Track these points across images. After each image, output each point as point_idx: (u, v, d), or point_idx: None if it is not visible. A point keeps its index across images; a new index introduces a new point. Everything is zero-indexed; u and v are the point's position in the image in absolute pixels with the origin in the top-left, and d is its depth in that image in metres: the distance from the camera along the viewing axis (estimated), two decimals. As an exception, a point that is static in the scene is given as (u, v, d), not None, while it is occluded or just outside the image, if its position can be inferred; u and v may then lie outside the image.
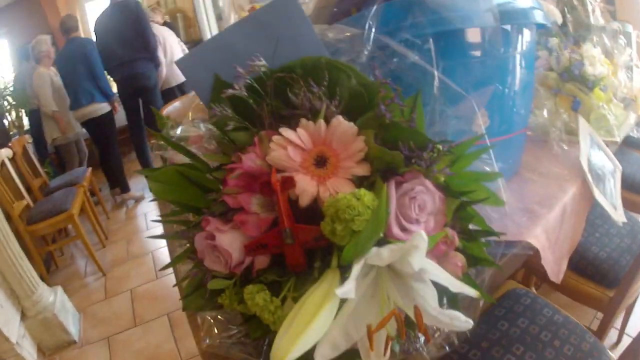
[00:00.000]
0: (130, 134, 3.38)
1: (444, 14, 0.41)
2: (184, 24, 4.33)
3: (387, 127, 0.35)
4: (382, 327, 0.29)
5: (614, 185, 0.83)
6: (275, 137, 0.33)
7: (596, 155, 0.82)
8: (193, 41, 4.47)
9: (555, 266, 0.72)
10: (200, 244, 0.35)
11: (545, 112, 0.89)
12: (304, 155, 0.33)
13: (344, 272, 0.31)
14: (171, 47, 3.47)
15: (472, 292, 0.32)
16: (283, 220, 0.31)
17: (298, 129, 0.33)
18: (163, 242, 2.67)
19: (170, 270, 2.30)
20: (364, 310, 0.31)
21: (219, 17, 4.15)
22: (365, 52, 0.39)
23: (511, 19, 0.47)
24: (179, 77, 3.53)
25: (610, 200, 0.81)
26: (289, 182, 0.31)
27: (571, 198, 0.75)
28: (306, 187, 0.32)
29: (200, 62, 0.40)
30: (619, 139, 0.87)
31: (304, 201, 0.32)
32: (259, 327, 0.38)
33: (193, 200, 0.40)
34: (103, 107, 3.10)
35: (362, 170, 0.34)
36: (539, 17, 0.51)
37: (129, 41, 3.04)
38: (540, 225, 0.67)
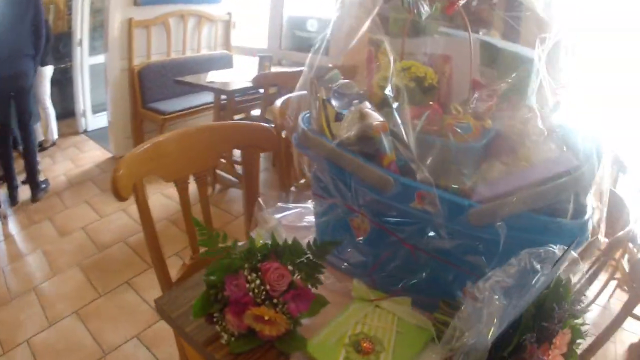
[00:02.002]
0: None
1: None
2: (55, 16, 3.88)
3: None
4: None
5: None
6: None
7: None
8: (60, 33, 4.00)
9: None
10: None
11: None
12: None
13: None
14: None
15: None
16: None
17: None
18: (44, 274, 2.37)
19: (64, 315, 2.01)
20: None
21: (96, 10, 3.79)
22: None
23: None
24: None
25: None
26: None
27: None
28: None
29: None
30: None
31: None
32: None
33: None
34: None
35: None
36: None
37: (22, 33, 2.68)
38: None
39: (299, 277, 0.73)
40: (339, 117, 0.92)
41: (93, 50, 4.10)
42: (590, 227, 0.74)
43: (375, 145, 0.74)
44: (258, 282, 0.69)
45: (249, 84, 3.05)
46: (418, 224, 0.73)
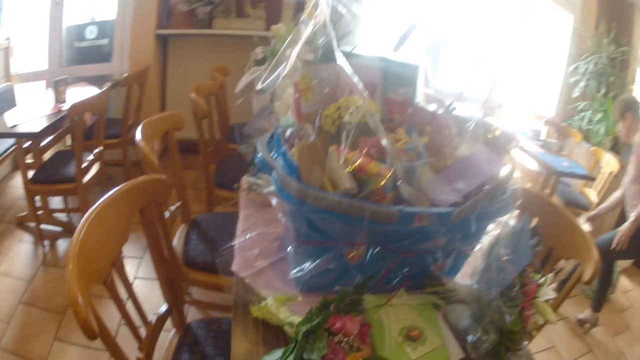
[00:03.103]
0: None
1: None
2: None
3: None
4: None
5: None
6: None
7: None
8: None
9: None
10: None
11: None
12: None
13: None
14: None
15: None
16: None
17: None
18: None
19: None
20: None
21: None
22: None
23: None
24: None
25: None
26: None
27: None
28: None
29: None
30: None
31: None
32: None
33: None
34: None
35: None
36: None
37: None
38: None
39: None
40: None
41: None
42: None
43: (369, 186, 0.89)
44: (345, 339, 0.82)
45: (55, 117, 2.77)
46: (414, 237, 0.93)
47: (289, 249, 1.03)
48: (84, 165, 2.68)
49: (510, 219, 1.01)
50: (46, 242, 2.84)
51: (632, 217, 2.49)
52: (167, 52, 4.24)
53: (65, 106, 2.98)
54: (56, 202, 3.26)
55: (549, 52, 4.33)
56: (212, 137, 2.81)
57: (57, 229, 3.00)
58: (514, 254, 0.93)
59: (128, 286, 1.16)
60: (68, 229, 3.02)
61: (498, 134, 1.16)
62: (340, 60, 1.01)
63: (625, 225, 2.49)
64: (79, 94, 3.21)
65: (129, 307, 1.16)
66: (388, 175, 0.88)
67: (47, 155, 3.12)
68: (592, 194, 3.43)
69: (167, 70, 4.28)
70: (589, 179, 3.48)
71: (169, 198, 1.35)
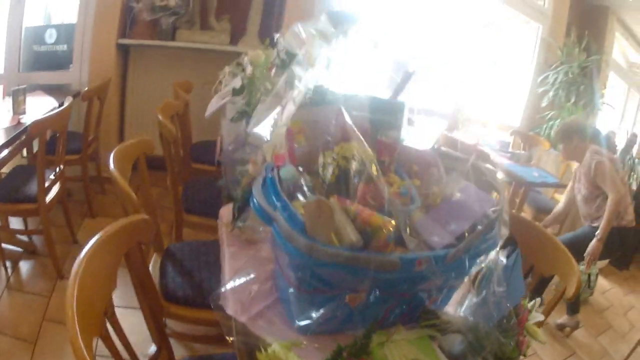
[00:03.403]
0: None
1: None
2: None
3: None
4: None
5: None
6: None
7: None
8: None
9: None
10: None
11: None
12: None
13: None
14: None
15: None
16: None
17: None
18: None
19: None
20: None
21: None
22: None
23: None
24: None
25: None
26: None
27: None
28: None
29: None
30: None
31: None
32: None
33: None
34: None
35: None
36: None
37: None
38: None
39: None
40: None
41: None
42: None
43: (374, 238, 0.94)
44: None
45: (15, 130, 2.65)
46: (414, 280, 0.99)
47: (291, 295, 1.06)
48: (46, 184, 2.61)
49: (500, 254, 1.09)
50: (8, 264, 2.76)
51: (597, 235, 2.66)
52: (127, 63, 4.14)
53: (25, 117, 2.88)
54: (14, 220, 3.16)
55: (515, 63, 4.47)
56: (177, 155, 2.80)
57: (18, 249, 2.91)
58: (508, 290, 1.02)
59: (123, 338, 1.17)
60: (29, 250, 2.94)
61: (483, 169, 1.23)
62: (336, 104, 1.05)
63: (592, 245, 2.67)
64: (37, 105, 3.11)
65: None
66: (392, 226, 0.93)
67: (3, 169, 3.00)
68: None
69: (127, 82, 4.18)
70: (561, 186, 3.64)
71: (152, 237, 1.34)
